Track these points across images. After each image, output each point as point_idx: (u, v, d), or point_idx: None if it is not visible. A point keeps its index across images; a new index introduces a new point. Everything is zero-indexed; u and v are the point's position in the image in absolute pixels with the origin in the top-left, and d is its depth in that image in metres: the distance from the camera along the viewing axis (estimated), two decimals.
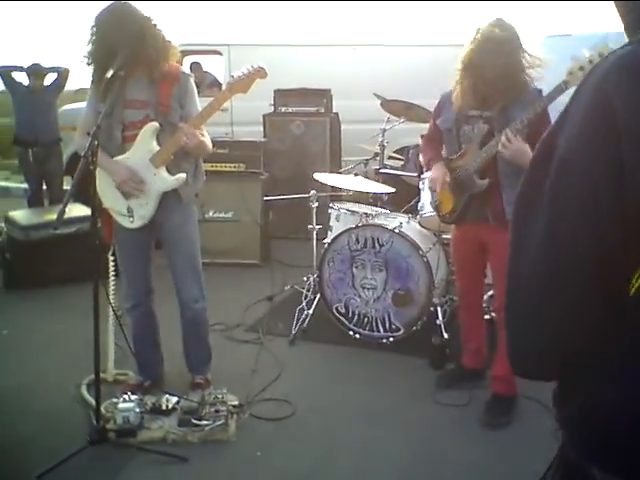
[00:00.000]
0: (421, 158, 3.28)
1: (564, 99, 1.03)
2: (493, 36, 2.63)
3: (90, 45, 2.76)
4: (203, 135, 2.90)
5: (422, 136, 3.23)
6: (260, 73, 2.79)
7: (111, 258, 3.07)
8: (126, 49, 2.66)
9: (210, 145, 2.96)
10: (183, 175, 2.88)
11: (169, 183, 2.88)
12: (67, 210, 2.54)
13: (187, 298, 3.08)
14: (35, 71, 6.07)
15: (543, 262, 0.96)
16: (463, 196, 2.97)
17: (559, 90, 2.53)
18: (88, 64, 2.82)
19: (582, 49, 2.41)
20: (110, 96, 2.67)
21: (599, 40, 2.36)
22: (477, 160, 2.82)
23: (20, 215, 5.11)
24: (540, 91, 2.73)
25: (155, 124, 2.82)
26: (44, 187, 6.29)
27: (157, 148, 2.83)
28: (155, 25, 2.81)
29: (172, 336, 3.25)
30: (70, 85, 6.56)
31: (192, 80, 2.94)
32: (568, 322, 0.96)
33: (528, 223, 0.98)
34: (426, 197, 3.52)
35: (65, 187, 6.31)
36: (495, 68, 2.64)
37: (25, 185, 6.66)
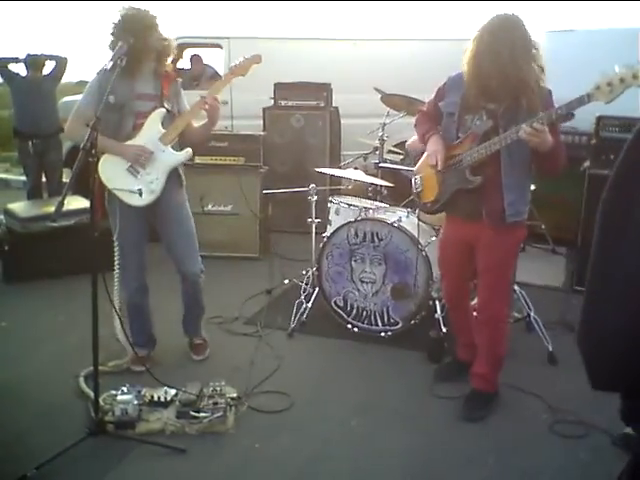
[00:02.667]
0: (415, 131, 3.11)
1: None
2: (498, 34, 2.56)
3: (113, 37, 3.05)
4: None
5: (419, 111, 3.12)
6: (256, 58, 3.23)
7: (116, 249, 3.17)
8: (128, 42, 2.89)
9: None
10: (190, 150, 3.20)
11: (179, 157, 3.19)
12: (66, 202, 2.54)
13: (193, 272, 3.34)
14: (33, 61, 5.99)
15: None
16: (450, 189, 2.88)
17: (580, 102, 2.41)
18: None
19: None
20: (110, 86, 2.76)
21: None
22: (474, 155, 2.73)
23: (19, 207, 5.11)
24: (550, 92, 2.65)
25: (163, 110, 3.16)
26: (43, 179, 6.27)
27: (163, 130, 3.13)
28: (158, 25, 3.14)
29: (169, 329, 3.25)
30: (70, 77, 6.53)
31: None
32: None
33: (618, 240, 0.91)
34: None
35: (64, 179, 6.29)
36: (497, 66, 2.56)
37: (24, 177, 6.64)
